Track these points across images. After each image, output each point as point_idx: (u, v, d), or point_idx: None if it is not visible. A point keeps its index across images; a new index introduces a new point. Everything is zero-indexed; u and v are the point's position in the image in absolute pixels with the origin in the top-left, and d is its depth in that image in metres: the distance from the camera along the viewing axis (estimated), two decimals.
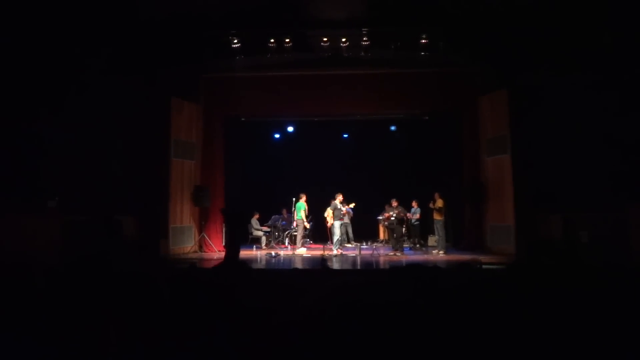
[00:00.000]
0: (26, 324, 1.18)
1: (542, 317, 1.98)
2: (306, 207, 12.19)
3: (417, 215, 12.27)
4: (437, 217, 11.23)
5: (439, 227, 11.23)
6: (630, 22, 8.72)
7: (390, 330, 1.25)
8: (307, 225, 12.20)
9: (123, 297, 1.86)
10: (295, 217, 12.20)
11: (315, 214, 13.10)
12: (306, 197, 12.26)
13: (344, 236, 12.36)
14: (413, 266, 2.48)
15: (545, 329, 1.91)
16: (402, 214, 11.56)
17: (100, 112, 10.09)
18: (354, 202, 12.31)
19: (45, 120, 9.26)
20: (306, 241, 13.11)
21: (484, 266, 7.40)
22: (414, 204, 12.29)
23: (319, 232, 13.60)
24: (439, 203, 11.18)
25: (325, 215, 12.27)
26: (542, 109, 10.28)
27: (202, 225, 12.05)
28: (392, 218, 11.57)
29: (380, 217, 12.82)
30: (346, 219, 12.43)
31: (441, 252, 11.10)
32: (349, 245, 12.90)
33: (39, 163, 9.04)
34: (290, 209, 12.51)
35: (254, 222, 13.38)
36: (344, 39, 10.78)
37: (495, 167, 11.50)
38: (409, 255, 11.26)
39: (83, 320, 1.21)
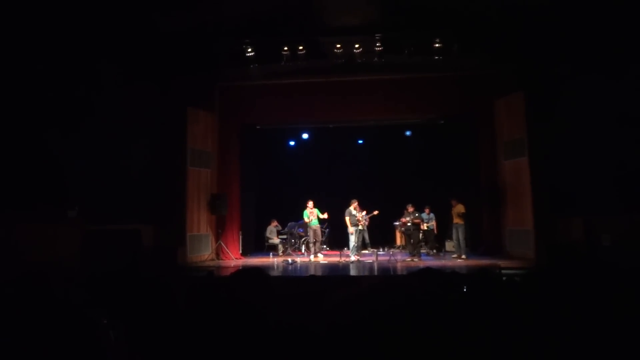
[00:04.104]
0: (40, 332, 1.19)
1: (564, 323, 1.94)
2: (308, 213, 12.04)
3: (433, 222, 12.08)
4: (458, 221, 11.09)
5: (460, 232, 11.08)
6: None
7: (412, 335, 1.23)
8: (302, 233, 12.17)
9: (136, 305, 1.87)
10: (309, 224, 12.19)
11: (331, 220, 13.06)
12: (314, 204, 12.09)
13: (360, 242, 12.32)
14: (429, 271, 2.45)
15: (567, 334, 1.87)
16: (418, 220, 11.47)
17: (117, 122, 10.24)
18: (376, 211, 12.21)
19: (64, 130, 9.42)
20: (322, 247, 13.08)
21: (503, 271, 7.30)
22: (427, 210, 12.12)
23: (336, 239, 13.56)
24: (461, 208, 11.05)
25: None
26: (559, 111, 10.13)
27: (219, 233, 12.11)
28: (409, 224, 11.49)
29: (397, 223, 12.75)
30: (362, 225, 12.34)
31: (462, 257, 10.96)
32: (366, 251, 12.83)
33: (58, 173, 9.20)
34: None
35: (272, 229, 13.38)
36: (357, 45, 10.78)
37: (512, 171, 11.36)
38: (427, 261, 11.15)
39: (94, 329, 1.22)
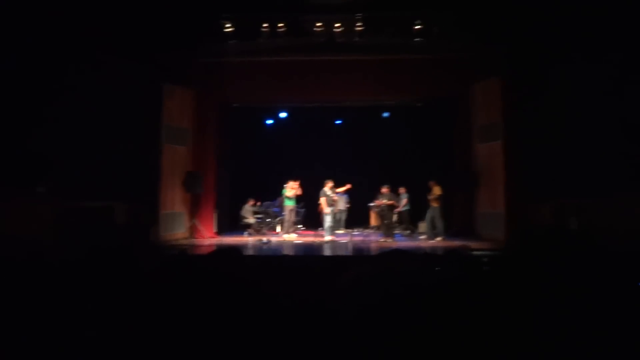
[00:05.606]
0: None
1: (533, 304, 2.00)
2: (286, 192, 12.09)
3: (405, 201, 12.21)
4: (434, 204, 11.20)
5: (435, 215, 11.21)
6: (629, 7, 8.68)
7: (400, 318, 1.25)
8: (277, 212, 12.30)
9: (107, 285, 1.86)
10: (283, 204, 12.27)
11: (308, 200, 13.09)
12: (297, 184, 12.13)
13: (336, 223, 12.43)
14: (399, 252, 2.49)
15: (535, 315, 1.93)
16: (392, 201, 11.56)
17: (90, 96, 9.97)
18: (349, 184, 12.28)
19: (35, 105, 9.12)
20: (297, 227, 13.14)
21: (473, 252, 7.48)
22: (401, 190, 12.22)
23: (311, 219, 13.62)
24: (437, 191, 11.15)
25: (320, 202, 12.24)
26: (535, 97, 10.29)
27: (194, 211, 12.02)
28: (383, 205, 11.60)
29: (372, 204, 12.87)
30: (341, 206, 12.40)
31: (438, 238, 11.08)
32: (340, 231, 12.94)
33: (26, 147, 8.93)
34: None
35: (248, 208, 13.33)
36: (337, 24, 10.67)
37: (487, 154, 11.54)
38: (400, 242, 11.32)
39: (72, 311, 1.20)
